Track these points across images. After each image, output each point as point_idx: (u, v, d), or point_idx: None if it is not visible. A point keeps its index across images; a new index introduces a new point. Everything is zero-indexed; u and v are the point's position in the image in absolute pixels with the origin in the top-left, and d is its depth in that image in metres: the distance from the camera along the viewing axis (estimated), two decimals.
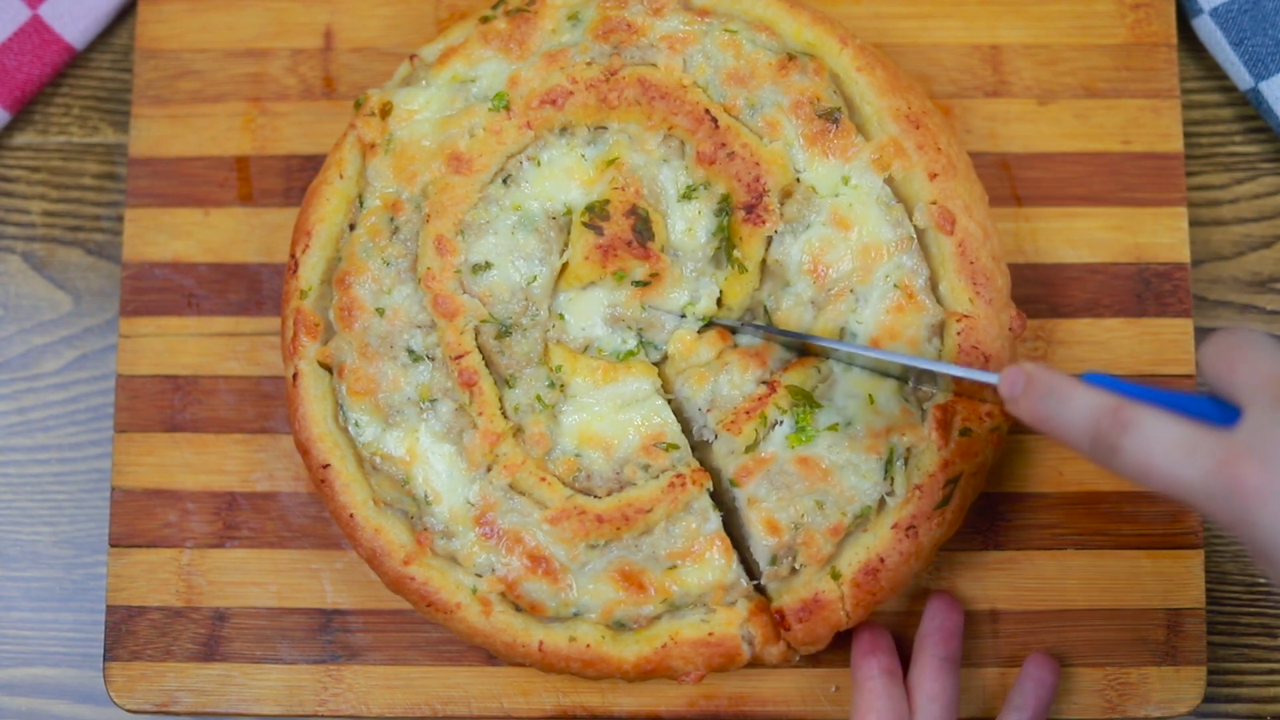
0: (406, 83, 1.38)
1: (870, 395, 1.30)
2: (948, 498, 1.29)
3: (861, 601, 1.28)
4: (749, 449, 1.30)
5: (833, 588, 1.28)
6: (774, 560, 1.29)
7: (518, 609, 1.31)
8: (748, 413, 1.30)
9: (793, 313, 1.32)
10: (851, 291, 1.32)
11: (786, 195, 1.33)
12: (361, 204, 1.36)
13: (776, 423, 1.31)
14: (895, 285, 1.31)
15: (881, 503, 1.30)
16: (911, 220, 1.33)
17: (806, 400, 1.30)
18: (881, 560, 1.28)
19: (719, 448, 1.32)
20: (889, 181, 1.33)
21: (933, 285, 1.32)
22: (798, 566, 1.29)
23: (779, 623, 1.29)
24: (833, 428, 1.30)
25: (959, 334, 1.30)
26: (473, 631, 1.31)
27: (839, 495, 1.29)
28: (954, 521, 1.30)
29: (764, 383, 1.32)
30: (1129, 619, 1.39)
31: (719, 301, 1.34)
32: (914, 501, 1.28)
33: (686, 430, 1.34)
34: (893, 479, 1.29)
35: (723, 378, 1.32)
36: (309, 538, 1.42)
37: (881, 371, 1.30)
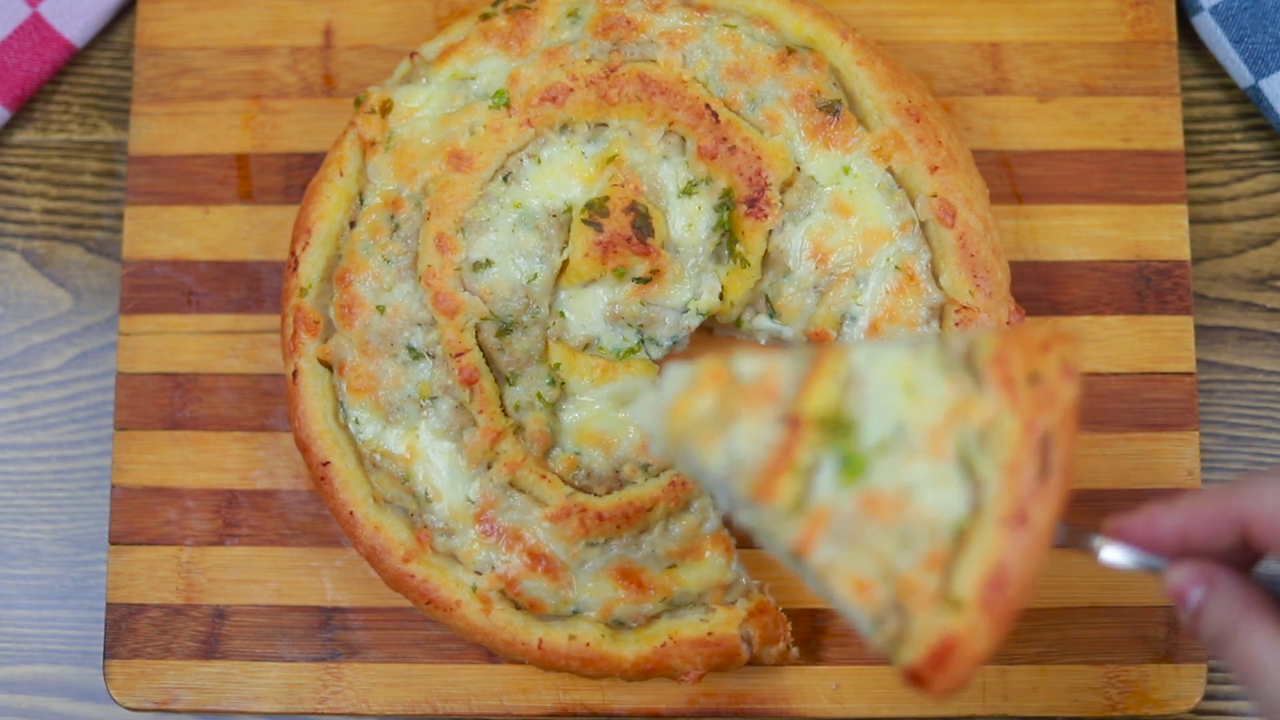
0: (407, 80, 1.38)
1: (908, 383, 1.06)
2: (1046, 464, 1.06)
3: (998, 622, 1.04)
4: (795, 510, 1.04)
5: (960, 620, 1.03)
6: (879, 623, 1.04)
7: (517, 607, 1.31)
8: (775, 470, 1.03)
9: (794, 300, 1.32)
10: (852, 276, 1.32)
11: (787, 185, 1.33)
12: (362, 201, 1.36)
13: (816, 465, 1.04)
14: (896, 267, 1.31)
15: (977, 507, 1.06)
16: (914, 208, 1.33)
17: (839, 425, 1.05)
18: (1003, 566, 1.04)
19: (758, 518, 1.06)
20: (889, 171, 1.33)
21: (933, 272, 1.32)
22: (909, 618, 1.05)
23: (916, 683, 1.05)
24: (882, 445, 1.05)
25: (956, 324, 1.30)
26: (472, 629, 1.31)
27: (923, 521, 1.05)
28: (1062, 487, 1.07)
29: (782, 421, 1.04)
30: (1130, 617, 1.38)
31: (720, 296, 1.34)
32: (1011, 484, 1.05)
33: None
34: (976, 472, 1.05)
35: (734, 431, 1.04)
36: (309, 535, 1.42)
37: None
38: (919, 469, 1.05)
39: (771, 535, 1.06)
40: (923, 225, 1.33)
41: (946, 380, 1.07)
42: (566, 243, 1.34)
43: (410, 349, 1.33)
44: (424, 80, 1.37)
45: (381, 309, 1.33)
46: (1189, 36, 1.50)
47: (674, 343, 1.35)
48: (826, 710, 1.38)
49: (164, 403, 1.44)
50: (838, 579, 1.05)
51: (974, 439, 1.06)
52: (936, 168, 1.32)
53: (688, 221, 1.34)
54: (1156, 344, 1.42)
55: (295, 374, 1.34)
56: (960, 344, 1.09)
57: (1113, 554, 1.12)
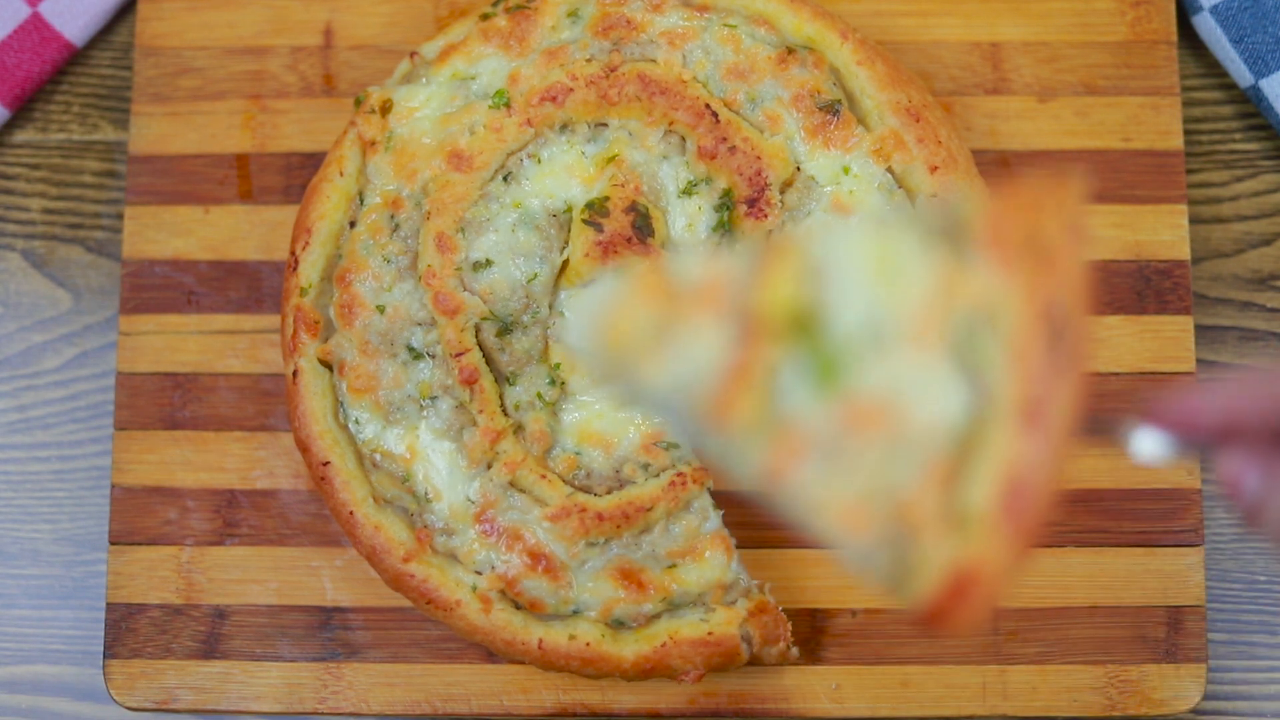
0: (407, 80, 1.38)
1: (881, 265, 0.87)
2: (1059, 342, 0.88)
3: (1021, 536, 0.86)
4: (761, 429, 0.86)
5: (976, 539, 0.85)
6: (877, 556, 0.87)
7: (517, 606, 1.31)
8: (731, 383, 0.86)
9: None
10: None
11: (787, 185, 1.33)
12: (362, 201, 1.36)
13: (781, 373, 0.86)
14: None
15: (982, 402, 0.87)
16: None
17: (803, 325, 0.87)
18: (1020, 469, 0.85)
19: (720, 446, 0.89)
20: (889, 171, 1.33)
21: None
22: (913, 545, 0.87)
23: (932, 622, 0.87)
24: (858, 343, 0.86)
25: None
26: (472, 629, 1.31)
27: (917, 427, 0.86)
28: (1081, 368, 0.88)
29: (735, 325, 0.86)
30: (1129, 616, 1.38)
31: None
32: (1019, 370, 0.86)
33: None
34: (975, 362, 0.87)
35: (679, 345, 0.87)
36: (309, 535, 1.42)
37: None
38: (905, 366, 0.86)
39: (740, 464, 0.87)
40: None
41: (925, 258, 0.88)
42: (566, 243, 1.34)
43: (410, 349, 1.33)
44: (424, 80, 1.37)
45: (381, 309, 1.33)
46: (1189, 36, 1.50)
47: None
48: (826, 710, 1.38)
49: (164, 403, 1.44)
50: (821, 506, 0.86)
51: (967, 323, 0.87)
52: (936, 168, 1.32)
53: (688, 221, 1.34)
54: (1156, 344, 1.42)
55: (295, 374, 1.34)
56: (937, 214, 0.90)
57: (1146, 443, 0.94)
